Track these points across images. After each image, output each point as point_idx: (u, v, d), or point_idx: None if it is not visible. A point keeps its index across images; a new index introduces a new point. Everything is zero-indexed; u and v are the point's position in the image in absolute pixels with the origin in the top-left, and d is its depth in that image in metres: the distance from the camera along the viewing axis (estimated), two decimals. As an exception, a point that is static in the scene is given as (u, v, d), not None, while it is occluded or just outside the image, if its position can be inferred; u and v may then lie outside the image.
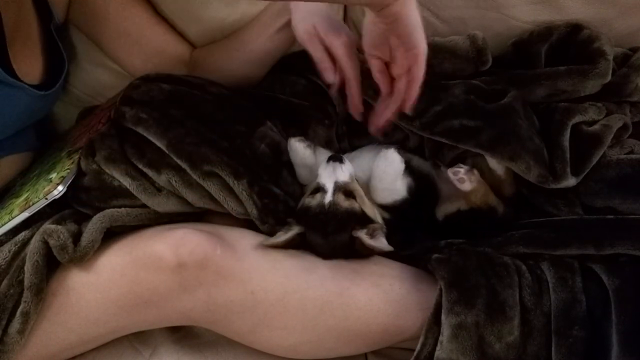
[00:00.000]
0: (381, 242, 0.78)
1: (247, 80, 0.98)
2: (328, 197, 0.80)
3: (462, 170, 0.84)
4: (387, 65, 0.79)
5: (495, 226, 0.86)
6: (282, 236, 0.79)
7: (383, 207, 0.86)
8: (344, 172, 0.82)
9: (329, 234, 0.79)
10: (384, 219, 0.85)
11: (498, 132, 0.85)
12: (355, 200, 0.82)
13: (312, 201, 0.81)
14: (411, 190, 0.86)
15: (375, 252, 0.80)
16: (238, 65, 0.96)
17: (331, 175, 0.82)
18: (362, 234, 0.78)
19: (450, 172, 0.85)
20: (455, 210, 0.88)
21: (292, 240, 0.79)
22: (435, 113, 0.88)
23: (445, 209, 0.89)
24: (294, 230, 0.79)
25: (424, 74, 0.76)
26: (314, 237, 0.80)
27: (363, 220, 0.81)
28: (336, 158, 0.84)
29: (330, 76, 0.83)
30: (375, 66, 0.79)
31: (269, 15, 0.93)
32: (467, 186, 0.84)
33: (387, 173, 0.83)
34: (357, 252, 0.80)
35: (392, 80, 0.80)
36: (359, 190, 0.84)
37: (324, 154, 0.89)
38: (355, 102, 0.84)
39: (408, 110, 0.81)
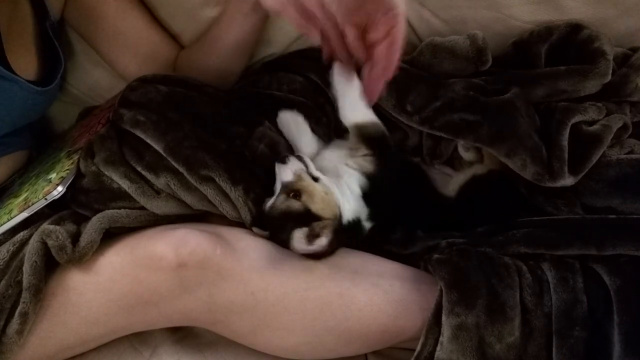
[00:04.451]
0: (314, 244, 0.76)
1: (228, 74, 0.97)
2: (270, 201, 0.81)
3: None
4: (363, 32, 0.72)
5: (508, 200, 0.87)
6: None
7: (364, 139, 0.85)
8: (286, 172, 0.82)
9: (272, 236, 0.80)
10: (368, 177, 0.84)
11: (497, 127, 0.85)
12: (300, 199, 0.80)
13: (265, 205, 0.82)
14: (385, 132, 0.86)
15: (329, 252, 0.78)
16: (216, 59, 0.96)
17: (278, 177, 0.82)
18: (298, 235, 0.77)
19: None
20: (470, 177, 0.87)
21: None
22: (435, 108, 0.89)
23: (458, 181, 0.89)
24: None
25: (404, 36, 0.70)
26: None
27: (307, 218, 0.79)
28: (280, 159, 0.83)
29: (315, 37, 0.75)
30: (351, 34, 0.72)
31: (233, 3, 0.93)
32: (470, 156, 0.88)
33: (342, 86, 0.81)
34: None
35: (370, 47, 0.73)
36: (307, 187, 0.82)
37: (306, 135, 0.90)
38: (342, 54, 0.77)
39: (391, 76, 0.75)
